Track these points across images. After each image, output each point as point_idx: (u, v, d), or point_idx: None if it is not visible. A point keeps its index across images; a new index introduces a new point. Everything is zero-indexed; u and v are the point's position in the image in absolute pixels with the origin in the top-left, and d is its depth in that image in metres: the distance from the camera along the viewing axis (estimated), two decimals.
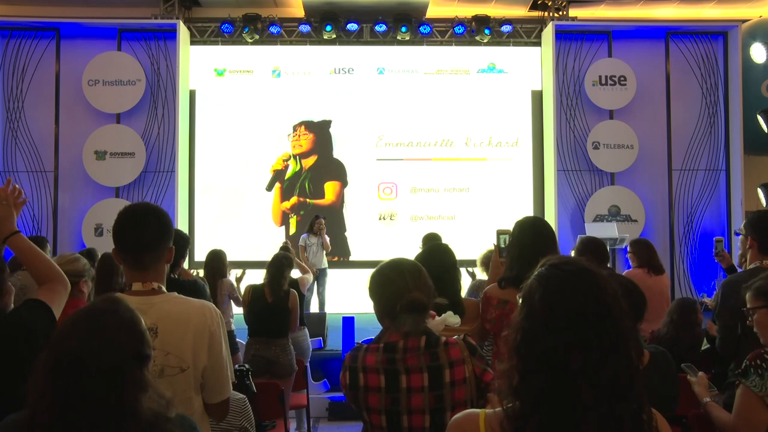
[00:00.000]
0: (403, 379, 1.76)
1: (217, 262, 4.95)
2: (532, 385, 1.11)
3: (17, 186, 2.12)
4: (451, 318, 2.30)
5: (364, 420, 1.83)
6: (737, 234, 3.16)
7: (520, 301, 1.20)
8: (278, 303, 4.54)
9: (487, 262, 4.54)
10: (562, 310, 1.12)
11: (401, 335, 1.80)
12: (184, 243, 3.26)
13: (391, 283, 1.86)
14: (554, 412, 1.10)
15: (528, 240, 2.57)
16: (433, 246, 3.16)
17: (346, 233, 8.88)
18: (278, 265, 4.62)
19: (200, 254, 6.79)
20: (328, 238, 7.67)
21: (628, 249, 5.10)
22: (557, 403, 1.09)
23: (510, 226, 2.77)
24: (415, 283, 1.85)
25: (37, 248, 2.07)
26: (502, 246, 2.85)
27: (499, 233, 2.89)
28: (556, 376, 1.10)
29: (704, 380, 2.22)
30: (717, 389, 2.32)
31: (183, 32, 8.54)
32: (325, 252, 7.69)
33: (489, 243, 4.50)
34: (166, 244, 1.94)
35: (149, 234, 1.91)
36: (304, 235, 7.76)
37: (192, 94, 8.88)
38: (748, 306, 2.12)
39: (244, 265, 6.06)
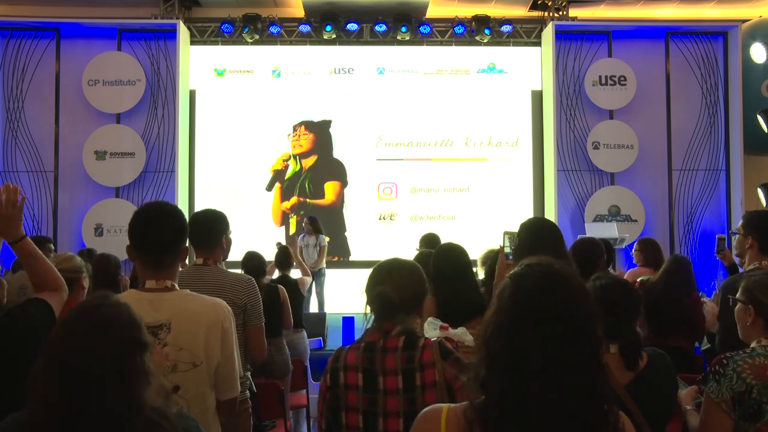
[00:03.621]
0: (380, 381, 1.76)
1: None
2: (495, 378, 1.15)
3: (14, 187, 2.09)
4: (464, 335, 2.28)
5: (339, 424, 1.80)
6: (735, 234, 3.14)
7: (496, 297, 1.24)
8: (270, 302, 4.51)
9: (486, 261, 4.53)
10: (525, 305, 1.17)
11: (381, 334, 1.80)
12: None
13: (378, 280, 1.87)
14: (513, 406, 1.13)
15: (534, 242, 2.57)
16: (444, 247, 3.13)
17: (346, 233, 8.88)
18: (253, 264, 4.55)
19: None
20: (326, 237, 7.67)
21: (635, 247, 5.11)
22: (516, 397, 1.13)
23: (511, 227, 2.76)
24: (401, 282, 1.84)
25: (43, 255, 2.07)
26: (508, 248, 2.83)
27: (506, 235, 2.86)
28: (516, 369, 1.13)
29: (692, 392, 2.23)
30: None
31: (183, 32, 8.54)
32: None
33: (489, 243, 4.49)
34: (183, 244, 1.99)
35: (169, 235, 1.94)
36: (301, 236, 7.78)
37: (192, 94, 8.88)
38: (737, 296, 2.13)
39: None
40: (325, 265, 7.81)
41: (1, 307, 2.30)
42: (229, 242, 2.85)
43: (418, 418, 1.29)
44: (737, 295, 2.12)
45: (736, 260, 3.72)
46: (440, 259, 2.95)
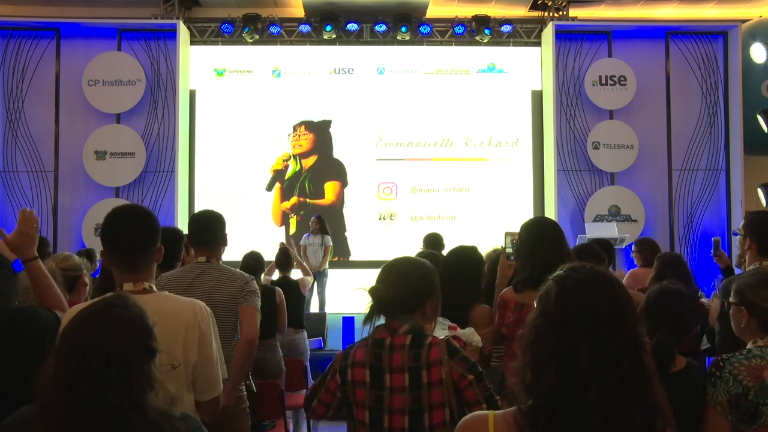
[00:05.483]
0: (387, 378, 1.79)
1: None
2: (543, 381, 1.14)
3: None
4: (471, 336, 2.30)
5: (350, 417, 1.85)
6: (735, 234, 3.15)
7: (537, 300, 1.23)
8: (267, 304, 4.50)
9: (488, 261, 4.52)
10: (574, 307, 1.16)
11: (389, 332, 1.82)
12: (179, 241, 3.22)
13: (378, 278, 1.90)
14: (564, 409, 1.12)
15: (535, 240, 2.58)
16: (456, 250, 3.13)
17: (346, 233, 8.88)
18: (249, 264, 4.54)
19: None
20: (330, 236, 7.67)
21: (633, 248, 5.11)
22: (567, 400, 1.12)
23: (511, 227, 2.77)
24: (400, 282, 1.86)
25: (51, 278, 2.16)
26: (510, 248, 2.84)
27: (507, 235, 2.87)
28: (566, 372, 1.12)
29: None
30: None
31: (183, 32, 8.54)
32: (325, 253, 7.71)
33: (489, 243, 4.48)
34: (156, 245, 1.99)
35: (142, 237, 1.95)
36: (306, 235, 7.79)
37: (192, 94, 8.88)
38: (730, 299, 2.14)
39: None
40: (328, 266, 7.82)
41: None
42: (225, 241, 2.96)
43: (459, 425, 1.27)
44: (730, 298, 2.14)
45: (736, 261, 3.72)
46: (449, 260, 2.98)
